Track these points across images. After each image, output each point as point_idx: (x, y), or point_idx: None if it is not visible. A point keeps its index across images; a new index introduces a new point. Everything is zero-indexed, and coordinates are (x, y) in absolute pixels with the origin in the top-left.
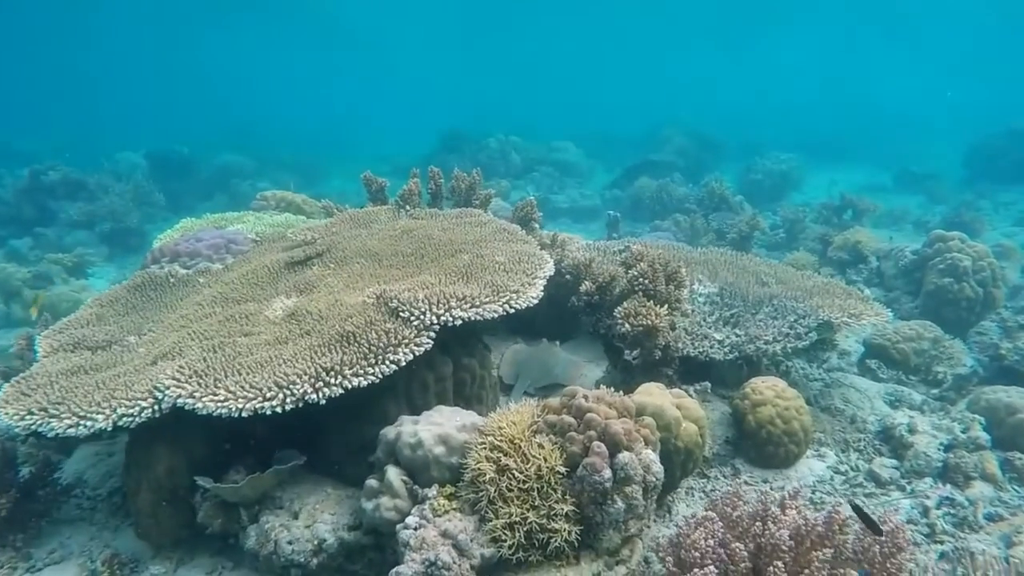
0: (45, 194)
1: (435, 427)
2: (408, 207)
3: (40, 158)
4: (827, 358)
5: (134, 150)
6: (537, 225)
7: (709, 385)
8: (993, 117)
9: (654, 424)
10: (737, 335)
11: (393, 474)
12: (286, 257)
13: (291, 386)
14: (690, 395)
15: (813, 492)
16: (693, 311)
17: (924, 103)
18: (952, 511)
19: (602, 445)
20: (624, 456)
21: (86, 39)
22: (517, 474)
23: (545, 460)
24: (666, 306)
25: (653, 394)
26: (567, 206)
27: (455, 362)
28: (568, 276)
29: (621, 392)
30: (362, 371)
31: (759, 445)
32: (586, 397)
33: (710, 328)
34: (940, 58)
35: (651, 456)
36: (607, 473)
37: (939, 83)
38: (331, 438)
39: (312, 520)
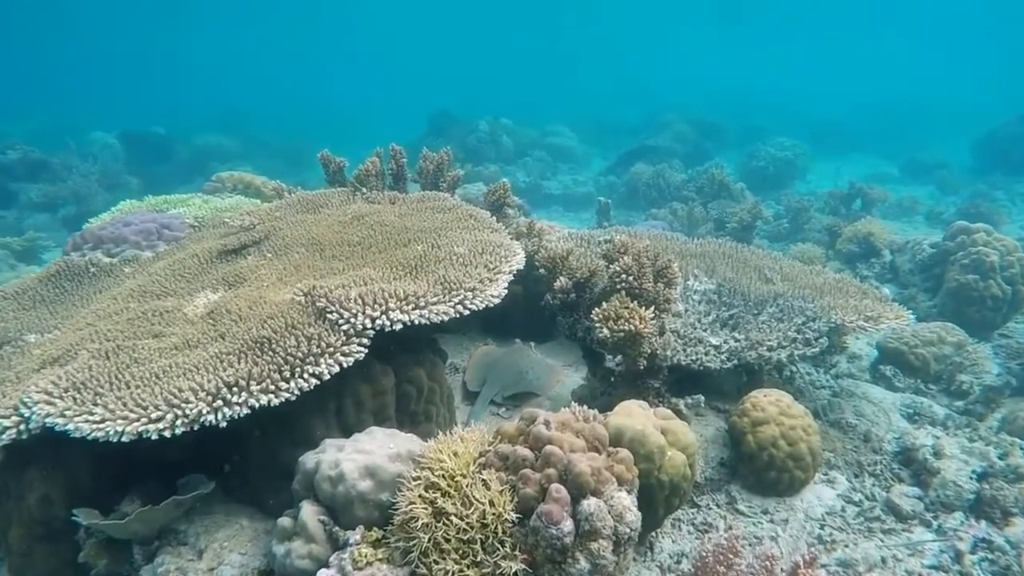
0: (4, 175)
1: (362, 456)
2: (364, 189)
3: (11, 139)
4: (836, 362)
5: (107, 130)
6: (512, 211)
7: (703, 398)
8: (1001, 104)
9: (631, 458)
10: (736, 339)
11: (308, 513)
12: (219, 245)
13: (184, 405)
14: (680, 411)
15: (822, 527)
16: (687, 311)
17: (930, 90)
18: (990, 556)
19: (562, 489)
20: (590, 503)
21: (66, 16)
22: (456, 520)
23: (491, 504)
24: (653, 308)
25: (634, 415)
26: (559, 193)
27: (398, 372)
28: (543, 270)
29: (594, 413)
30: (273, 387)
31: (759, 470)
32: (548, 423)
33: (705, 331)
34: (945, 44)
35: (624, 501)
36: (567, 525)
37: (945, 70)
38: (250, 460)
39: (218, 561)
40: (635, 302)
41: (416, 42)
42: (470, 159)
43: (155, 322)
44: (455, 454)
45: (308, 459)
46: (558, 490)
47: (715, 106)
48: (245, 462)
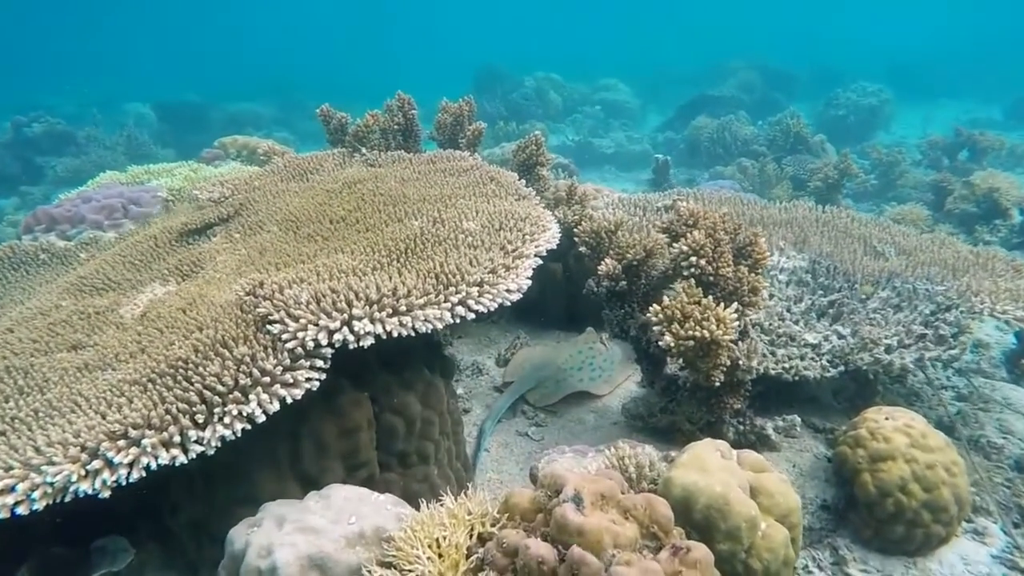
0: (30, 148)
1: (307, 538)
2: (364, 150)
3: (37, 110)
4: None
5: (143, 101)
6: (546, 172)
7: (798, 420)
8: None
9: (709, 560)
10: (840, 335)
11: None
12: (180, 224)
13: (47, 467)
14: (768, 438)
15: None
16: (772, 296)
17: None
18: None
19: None
20: None
21: None
22: None
23: None
24: (735, 303)
25: (709, 468)
26: (612, 151)
27: (378, 400)
28: (584, 248)
29: (650, 458)
30: (178, 438)
31: (881, 522)
32: (578, 499)
33: (797, 322)
34: None
35: None
36: None
37: None
38: (180, 520)
39: None
40: (709, 295)
41: None
42: (515, 117)
43: (80, 327)
44: (437, 543)
45: (237, 535)
46: None
47: (783, 50)
48: (176, 521)
